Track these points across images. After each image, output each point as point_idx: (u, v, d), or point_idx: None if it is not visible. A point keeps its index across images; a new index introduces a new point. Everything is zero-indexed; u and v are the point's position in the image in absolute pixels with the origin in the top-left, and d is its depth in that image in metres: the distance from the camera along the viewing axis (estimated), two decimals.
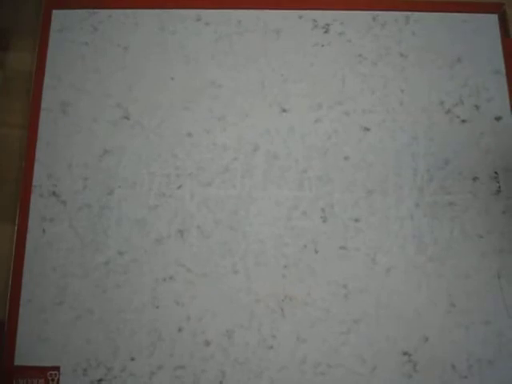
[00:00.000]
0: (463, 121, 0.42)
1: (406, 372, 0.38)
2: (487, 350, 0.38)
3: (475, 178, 0.41)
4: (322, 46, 0.43)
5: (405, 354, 0.38)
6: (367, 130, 0.42)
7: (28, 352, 0.38)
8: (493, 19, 0.44)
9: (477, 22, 0.44)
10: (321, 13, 0.44)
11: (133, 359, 0.38)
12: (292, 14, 0.44)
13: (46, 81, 0.42)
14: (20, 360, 0.38)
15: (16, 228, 0.40)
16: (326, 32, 0.44)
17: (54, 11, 0.44)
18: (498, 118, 0.42)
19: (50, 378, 0.37)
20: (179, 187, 0.41)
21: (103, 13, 0.44)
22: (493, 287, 0.39)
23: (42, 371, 0.37)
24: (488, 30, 0.44)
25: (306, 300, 0.39)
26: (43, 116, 0.42)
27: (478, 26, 0.44)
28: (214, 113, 0.42)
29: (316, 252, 0.39)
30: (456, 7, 0.44)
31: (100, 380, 0.37)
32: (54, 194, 0.40)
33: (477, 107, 0.42)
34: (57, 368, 0.38)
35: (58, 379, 0.37)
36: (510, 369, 0.38)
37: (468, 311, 0.39)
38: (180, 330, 0.38)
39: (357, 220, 0.40)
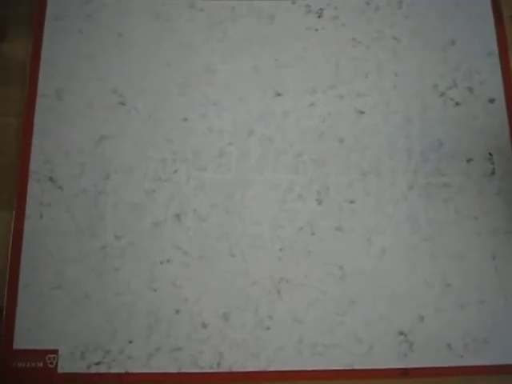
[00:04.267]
0: (457, 103, 0.43)
1: (402, 351, 0.38)
2: (482, 329, 0.38)
3: (469, 160, 0.41)
4: (316, 30, 0.44)
5: (401, 333, 0.38)
6: (361, 112, 0.42)
7: (27, 336, 0.38)
8: (485, 3, 0.44)
9: (469, 6, 0.44)
10: None
11: (131, 342, 0.38)
12: None
13: (42, 68, 0.43)
14: (19, 344, 0.38)
15: (14, 213, 0.40)
16: (319, 17, 0.44)
17: (49, 0, 0.44)
18: (491, 100, 0.43)
19: (48, 361, 0.38)
20: (175, 171, 0.41)
21: (97, 1, 0.44)
22: (487, 267, 0.39)
23: (40, 354, 0.38)
24: (481, 13, 0.44)
25: (303, 281, 0.39)
26: (39, 103, 0.42)
27: (471, 10, 0.44)
28: (209, 98, 0.42)
29: (312, 234, 0.40)
30: None
31: (98, 363, 0.38)
32: (50, 179, 0.41)
33: (470, 90, 0.43)
34: (55, 351, 0.38)
35: (57, 362, 0.38)
36: (505, 347, 0.38)
37: (463, 291, 0.39)
38: (177, 312, 0.38)
39: (352, 202, 0.40)
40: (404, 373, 0.38)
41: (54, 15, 0.44)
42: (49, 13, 0.44)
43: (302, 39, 0.43)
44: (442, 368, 0.38)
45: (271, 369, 0.38)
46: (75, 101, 0.42)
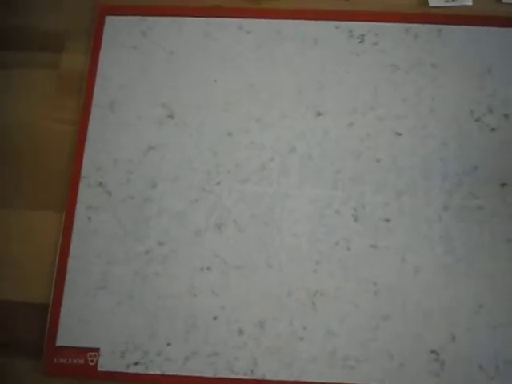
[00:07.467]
0: (492, 129, 0.44)
1: (434, 370, 0.39)
2: None
3: (503, 184, 0.42)
4: (357, 55, 0.46)
5: (432, 352, 0.39)
6: (399, 134, 0.44)
7: (70, 333, 0.40)
8: None
9: (505, 36, 0.46)
10: (356, 24, 0.46)
11: (169, 344, 0.39)
12: (329, 24, 0.47)
13: (97, 81, 0.45)
14: (62, 340, 0.40)
15: (64, 215, 0.42)
16: (360, 42, 0.46)
17: (107, 17, 0.47)
18: None
19: (89, 359, 0.39)
20: (218, 183, 0.43)
21: (151, 20, 0.47)
22: None
23: (82, 352, 0.39)
24: None
25: (337, 295, 0.40)
26: (93, 113, 0.45)
27: (507, 40, 0.46)
28: (253, 114, 0.44)
29: (347, 249, 0.41)
30: (486, 21, 0.46)
31: (137, 363, 0.39)
32: (100, 184, 0.43)
33: (506, 116, 0.44)
34: (96, 349, 0.39)
35: (97, 360, 0.39)
36: None
37: (495, 312, 0.39)
38: (215, 318, 0.40)
39: (387, 220, 0.42)
40: None
41: (111, 32, 0.47)
42: (106, 29, 0.47)
43: (344, 62, 0.45)
44: None
45: (303, 379, 0.39)
46: (127, 112, 0.45)
